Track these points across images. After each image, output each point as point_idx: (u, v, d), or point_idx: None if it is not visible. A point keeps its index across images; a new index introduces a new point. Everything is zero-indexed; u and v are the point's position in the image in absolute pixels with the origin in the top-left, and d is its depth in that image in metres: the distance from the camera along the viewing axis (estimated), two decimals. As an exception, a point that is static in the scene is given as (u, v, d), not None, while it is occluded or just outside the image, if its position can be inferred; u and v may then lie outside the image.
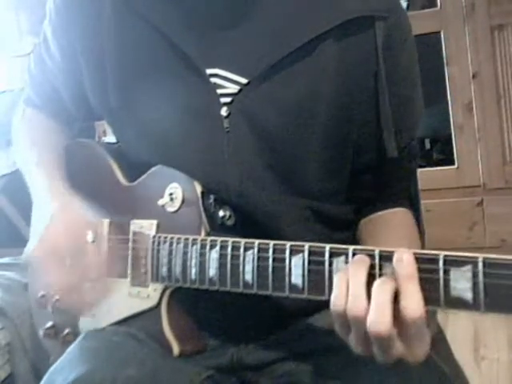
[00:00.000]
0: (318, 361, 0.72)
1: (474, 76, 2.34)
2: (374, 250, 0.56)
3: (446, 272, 0.52)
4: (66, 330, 0.86)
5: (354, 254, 0.57)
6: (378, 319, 0.53)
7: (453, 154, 2.42)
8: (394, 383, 0.65)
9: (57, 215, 0.78)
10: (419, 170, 0.96)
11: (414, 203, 0.88)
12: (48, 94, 0.92)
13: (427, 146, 2.59)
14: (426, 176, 2.22)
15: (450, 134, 2.42)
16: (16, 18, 2.21)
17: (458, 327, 1.86)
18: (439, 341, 0.89)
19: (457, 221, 2.37)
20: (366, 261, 0.56)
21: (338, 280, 0.56)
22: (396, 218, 0.82)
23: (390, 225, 0.81)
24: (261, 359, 0.78)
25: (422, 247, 0.95)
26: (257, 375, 0.78)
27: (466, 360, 1.66)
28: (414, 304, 0.52)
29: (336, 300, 0.56)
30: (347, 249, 0.59)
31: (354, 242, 0.80)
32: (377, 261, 0.56)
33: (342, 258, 0.59)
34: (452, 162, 2.43)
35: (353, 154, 0.78)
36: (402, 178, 0.83)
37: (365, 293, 0.54)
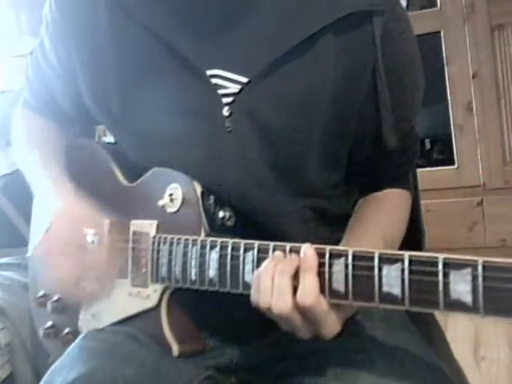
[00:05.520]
0: (318, 361, 0.72)
1: (473, 76, 2.34)
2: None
3: (445, 275, 0.52)
4: (66, 330, 0.86)
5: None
6: (278, 303, 0.61)
7: (453, 154, 2.42)
8: (393, 383, 0.65)
9: (62, 211, 0.78)
10: (419, 170, 0.97)
11: (413, 201, 0.89)
12: (45, 99, 0.92)
13: (427, 146, 2.58)
14: (426, 176, 2.21)
15: (450, 134, 2.41)
16: (16, 19, 2.21)
17: (458, 327, 1.86)
18: (439, 341, 0.89)
19: (457, 221, 2.37)
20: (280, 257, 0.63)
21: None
22: (384, 198, 0.84)
23: (372, 206, 0.83)
24: (260, 359, 0.78)
25: (422, 247, 0.96)
26: (256, 375, 0.78)
27: (466, 360, 1.66)
28: (306, 292, 0.60)
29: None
30: (347, 250, 0.59)
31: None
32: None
33: (342, 259, 0.59)
34: (452, 162, 2.42)
35: (353, 147, 0.78)
36: (401, 164, 0.85)
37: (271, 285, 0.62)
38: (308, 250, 0.61)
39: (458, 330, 1.85)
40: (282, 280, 0.61)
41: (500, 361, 1.77)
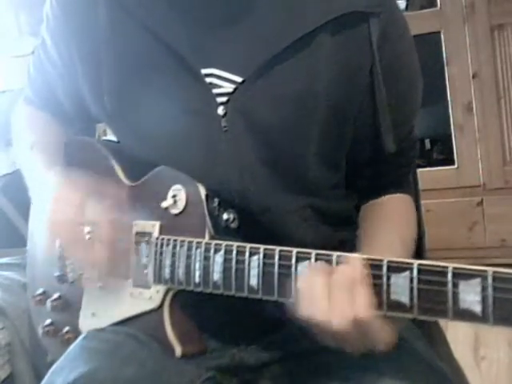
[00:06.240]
0: (318, 361, 0.72)
1: (473, 76, 2.33)
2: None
3: (454, 285, 0.52)
4: (66, 328, 0.86)
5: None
6: (339, 318, 0.59)
7: (453, 154, 2.42)
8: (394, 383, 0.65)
9: (59, 187, 0.79)
10: (419, 170, 0.97)
11: (414, 201, 0.89)
12: (47, 97, 0.92)
13: (427, 146, 2.58)
14: (426, 176, 2.21)
15: (450, 134, 2.41)
16: (16, 18, 2.21)
17: (458, 327, 1.86)
18: (439, 341, 0.89)
19: (457, 221, 2.36)
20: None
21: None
22: (391, 204, 0.83)
23: (382, 214, 0.82)
24: (261, 360, 0.78)
25: (423, 247, 0.96)
26: (257, 375, 0.78)
27: (466, 360, 1.66)
28: (363, 306, 0.58)
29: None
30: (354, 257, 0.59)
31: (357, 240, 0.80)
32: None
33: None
34: (452, 162, 2.42)
35: (352, 148, 0.78)
36: (401, 166, 0.85)
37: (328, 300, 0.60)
38: (358, 262, 0.59)
39: (458, 330, 1.85)
40: (342, 294, 0.59)
41: (500, 361, 1.77)
